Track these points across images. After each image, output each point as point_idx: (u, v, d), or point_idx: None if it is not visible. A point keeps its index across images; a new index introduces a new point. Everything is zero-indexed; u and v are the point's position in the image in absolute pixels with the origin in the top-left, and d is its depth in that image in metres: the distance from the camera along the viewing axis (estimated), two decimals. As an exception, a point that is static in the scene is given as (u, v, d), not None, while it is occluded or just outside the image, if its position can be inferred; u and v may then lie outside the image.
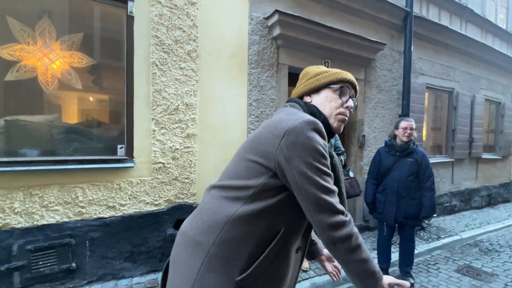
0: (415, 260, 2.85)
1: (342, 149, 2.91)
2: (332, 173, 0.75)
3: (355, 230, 0.74)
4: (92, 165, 2.20)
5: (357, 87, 0.93)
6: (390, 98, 4.16)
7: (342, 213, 0.72)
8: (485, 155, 5.89)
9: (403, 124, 2.54)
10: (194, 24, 2.56)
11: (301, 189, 0.70)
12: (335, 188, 0.74)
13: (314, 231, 1.19)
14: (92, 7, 2.31)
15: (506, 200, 6.59)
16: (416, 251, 2.86)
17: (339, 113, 0.87)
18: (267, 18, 2.98)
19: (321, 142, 0.73)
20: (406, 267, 2.67)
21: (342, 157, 2.80)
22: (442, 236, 3.90)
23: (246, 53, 2.90)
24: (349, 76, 0.90)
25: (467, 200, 5.53)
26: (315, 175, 0.70)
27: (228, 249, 0.72)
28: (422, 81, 4.52)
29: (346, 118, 0.90)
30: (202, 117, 2.67)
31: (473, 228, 4.37)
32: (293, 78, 3.33)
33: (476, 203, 5.75)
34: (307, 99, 0.91)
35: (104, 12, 2.35)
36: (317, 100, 0.89)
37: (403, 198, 2.48)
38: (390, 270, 2.77)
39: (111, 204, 2.31)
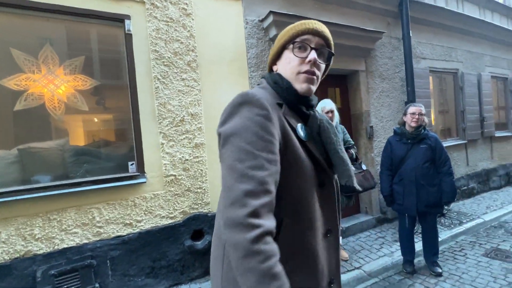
0: (440, 248, 2.77)
1: (352, 142, 2.87)
2: (274, 152, 0.62)
3: (268, 247, 0.53)
4: (105, 184, 2.21)
5: (325, 32, 0.78)
6: (394, 86, 4.10)
7: (256, 215, 0.54)
8: (498, 133, 5.73)
9: (411, 109, 2.49)
10: (191, 35, 2.58)
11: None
12: (264, 176, 0.57)
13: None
14: (90, 29, 2.35)
15: (525, 177, 6.38)
16: (439, 239, 2.79)
17: (301, 72, 0.76)
18: (262, 20, 2.98)
19: (249, 115, 0.63)
20: (432, 257, 2.60)
21: (353, 151, 2.76)
22: (464, 221, 3.79)
23: (245, 57, 2.91)
24: (305, 25, 0.77)
25: (485, 181, 5.38)
26: (231, 156, 0.59)
27: None
28: (424, 65, 4.45)
29: (314, 77, 0.77)
30: (208, 125, 2.67)
31: (495, 210, 4.23)
32: (294, 76, 3.32)
33: (495, 183, 5.59)
34: (274, 68, 0.83)
35: (102, 32, 2.38)
36: (280, 66, 0.81)
37: (422, 186, 2.42)
38: (415, 261, 2.69)
39: (127, 221, 2.31)
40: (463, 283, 2.37)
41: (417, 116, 2.44)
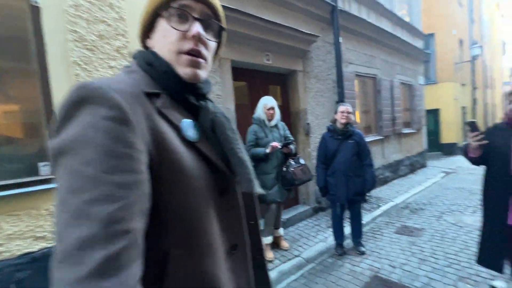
0: (363, 230, 3.19)
1: (292, 138, 3.02)
2: (135, 170, 0.42)
3: None
4: (6, 191, 1.78)
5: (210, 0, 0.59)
6: (327, 86, 4.50)
7: (100, 274, 0.35)
8: (405, 130, 6.93)
9: (340, 108, 2.78)
10: (120, 17, 2.28)
11: None
12: (114, 211, 0.38)
13: None
14: (-22, -4, 1.83)
15: (422, 166, 7.92)
16: (362, 222, 3.20)
17: (182, 52, 0.57)
18: (203, 11, 2.85)
19: (91, 120, 0.41)
20: (357, 238, 2.97)
21: (292, 146, 2.91)
22: (381, 205, 4.47)
23: (184, 48, 2.73)
24: None
25: (395, 170, 6.45)
26: (63, 186, 0.39)
27: None
28: (351, 70, 5.02)
29: (200, 60, 0.58)
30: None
31: (402, 194, 5.12)
32: (237, 72, 3.30)
33: (402, 172, 6.75)
34: (149, 43, 0.61)
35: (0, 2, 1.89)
36: (155, 40, 0.59)
37: (350, 177, 2.73)
38: (344, 243, 3.03)
39: (39, 235, 1.92)
40: (380, 258, 2.79)
41: (345, 114, 2.74)
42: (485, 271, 2.34)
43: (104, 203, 0.38)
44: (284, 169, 2.82)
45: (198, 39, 0.57)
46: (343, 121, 2.75)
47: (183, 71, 0.57)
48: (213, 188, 0.57)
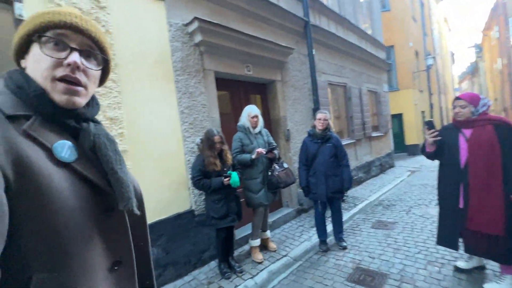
0: (343, 227, 3.43)
1: (275, 144, 3.20)
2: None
3: None
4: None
5: (91, 31, 0.60)
6: (303, 95, 4.80)
7: None
8: (374, 133, 7.50)
9: (318, 115, 3.04)
10: (107, 31, 2.33)
11: None
12: None
13: None
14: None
15: (391, 166, 8.57)
16: (343, 219, 3.45)
17: (56, 78, 0.56)
18: (187, 25, 2.98)
19: None
20: (339, 234, 3.20)
21: (276, 151, 3.09)
22: (357, 203, 4.79)
23: (169, 60, 2.82)
24: (59, 17, 0.57)
25: (368, 171, 6.92)
26: None
27: None
28: (324, 79, 5.40)
29: (78, 88, 0.59)
30: (130, 131, 2.45)
31: (375, 192, 5.53)
32: (220, 83, 3.44)
33: (374, 172, 7.26)
34: (23, 63, 0.60)
35: (-23, 14, 1.85)
36: (29, 63, 0.59)
37: (329, 176, 2.96)
38: (328, 240, 3.24)
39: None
40: (360, 251, 3.03)
41: (322, 121, 2.99)
42: (448, 254, 2.67)
43: None
44: (270, 173, 2.98)
45: (75, 67, 0.57)
46: (320, 127, 3.00)
47: (59, 98, 0.57)
48: (94, 206, 0.57)
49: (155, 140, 2.64)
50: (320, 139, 3.03)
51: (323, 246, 3.15)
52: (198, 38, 3.01)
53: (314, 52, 4.73)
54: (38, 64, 0.57)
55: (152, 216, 2.56)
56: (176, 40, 2.90)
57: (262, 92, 4.32)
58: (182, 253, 2.76)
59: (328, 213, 3.50)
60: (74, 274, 0.52)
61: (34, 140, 0.52)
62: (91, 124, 0.64)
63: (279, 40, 4.16)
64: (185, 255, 2.79)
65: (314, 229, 3.54)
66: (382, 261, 2.76)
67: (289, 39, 4.51)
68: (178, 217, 2.76)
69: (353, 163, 6.13)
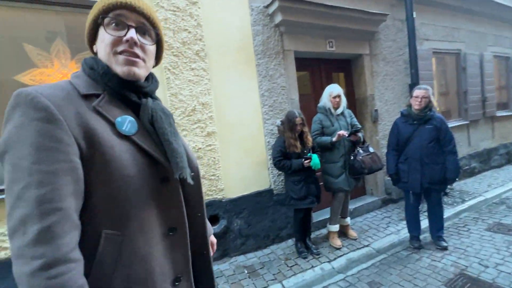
0: (444, 225, 2.89)
1: (359, 126, 2.93)
2: (63, 160, 0.53)
3: (53, 283, 0.47)
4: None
5: (143, 9, 0.68)
6: (397, 69, 4.12)
7: (38, 242, 0.48)
8: (500, 113, 5.79)
9: (415, 92, 2.56)
10: (198, 24, 2.59)
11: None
12: (45, 194, 0.50)
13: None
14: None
15: (525, 155, 6.49)
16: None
17: (118, 52, 0.65)
18: (267, 6, 2.97)
19: (23, 121, 0.52)
20: (437, 232, 2.73)
21: (360, 134, 2.82)
22: (466, 199, 3.92)
23: (251, 44, 2.92)
24: None
25: (486, 161, 5.49)
26: (7, 177, 0.52)
27: None
28: (427, 47, 4.44)
29: (136, 59, 0.67)
30: (218, 114, 2.72)
31: (496, 187, 4.36)
32: (300, 62, 3.34)
33: (496, 162, 5.70)
34: (94, 48, 0.71)
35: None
36: (98, 46, 0.69)
37: (426, 164, 2.51)
38: (421, 237, 2.82)
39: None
40: (468, 255, 2.51)
41: (419, 99, 2.51)
42: None
43: (35, 188, 0.49)
44: (352, 157, 2.77)
45: (133, 42, 0.65)
46: (417, 107, 2.53)
47: (121, 69, 0.65)
48: (152, 176, 0.64)
49: (239, 123, 2.85)
50: (417, 120, 2.57)
51: (415, 243, 2.76)
52: (278, 18, 2.97)
53: (414, 15, 3.92)
54: (103, 43, 0.66)
55: (237, 191, 2.83)
56: (257, 24, 2.95)
57: (345, 69, 3.96)
58: (262, 227, 2.97)
59: (425, 206, 3.01)
60: (133, 234, 0.60)
61: (101, 115, 0.61)
62: (150, 100, 0.71)
63: (369, 7, 3.63)
64: (264, 230, 2.99)
65: (404, 222, 3.13)
66: (500, 272, 2.21)
67: (381, 4, 3.88)
68: (258, 194, 2.96)
69: (463, 150, 4.98)
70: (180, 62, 2.52)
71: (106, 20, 0.65)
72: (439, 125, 2.53)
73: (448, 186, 4.25)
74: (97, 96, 0.63)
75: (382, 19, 3.67)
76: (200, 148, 2.61)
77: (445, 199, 3.96)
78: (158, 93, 2.44)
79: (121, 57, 0.65)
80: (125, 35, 0.65)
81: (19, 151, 0.51)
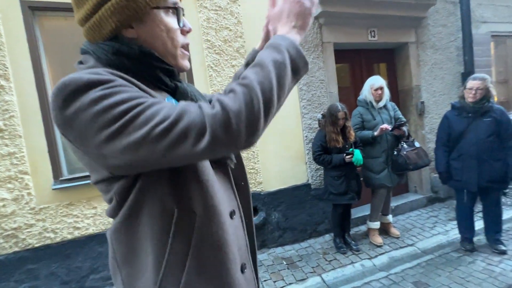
0: (502, 227, 2.64)
1: (404, 119, 2.79)
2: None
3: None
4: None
5: None
6: (448, 56, 3.78)
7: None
8: None
9: (469, 84, 2.35)
10: (238, 21, 2.66)
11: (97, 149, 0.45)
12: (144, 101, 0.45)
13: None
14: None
15: None
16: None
17: (183, 46, 0.60)
18: None
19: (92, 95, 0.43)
20: (495, 234, 2.50)
21: (405, 128, 2.68)
22: (530, 200, 3.51)
23: (289, 39, 2.91)
24: None
25: (555, 158, 4.80)
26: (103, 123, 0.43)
27: (129, 267, 0.57)
28: (485, 30, 3.99)
29: (188, 52, 0.64)
30: (257, 109, 2.78)
31: None
32: (339, 55, 3.25)
33: None
34: (127, 33, 0.55)
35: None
36: (145, 32, 0.56)
37: (485, 161, 2.30)
38: (475, 239, 2.61)
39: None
40: (531, 262, 2.27)
41: (473, 92, 2.29)
42: None
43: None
44: (395, 152, 2.65)
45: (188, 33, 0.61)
46: (471, 99, 2.32)
47: (184, 63, 0.62)
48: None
49: (277, 117, 2.82)
50: (472, 113, 2.35)
51: (468, 245, 2.56)
52: (317, 10, 2.91)
53: (470, -4, 3.54)
54: (167, 34, 0.57)
55: (275, 184, 2.89)
56: (295, 17, 2.92)
57: (388, 59, 3.74)
58: (299, 221, 3.00)
59: (479, 207, 2.77)
60: (213, 215, 0.57)
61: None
62: (183, 83, 0.66)
63: (416, -10, 3.37)
64: (302, 224, 3.02)
65: (453, 222, 2.92)
66: None
67: (431, -14, 3.57)
68: (296, 188, 2.99)
69: (527, 145, 4.41)
70: (221, 59, 2.62)
71: (167, 5, 0.56)
72: (499, 118, 2.29)
73: (510, 185, 3.83)
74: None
75: (432, 2, 3.38)
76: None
77: (503, 199, 3.58)
78: (202, 90, 2.58)
79: (184, 52, 0.62)
80: (184, 25, 0.60)
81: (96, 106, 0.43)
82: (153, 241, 0.54)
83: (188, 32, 0.61)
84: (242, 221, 0.68)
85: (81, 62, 0.57)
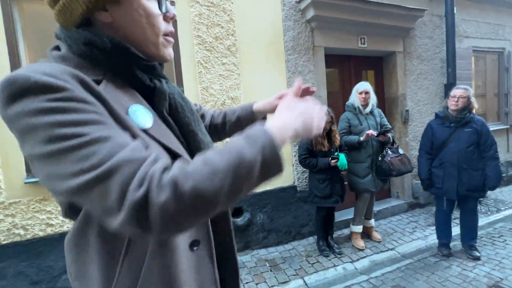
0: (478, 234, 2.74)
1: (389, 126, 2.85)
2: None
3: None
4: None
5: None
6: (433, 67, 3.92)
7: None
8: (545, 118, 5.31)
9: (452, 92, 2.44)
10: (231, 19, 2.62)
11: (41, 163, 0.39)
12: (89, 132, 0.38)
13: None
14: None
15: None
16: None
17: (165, 33, 0.54)
18: (299, 1, 2.94)
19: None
20: (470, 241, 2.59)
21: (390, 135, 2.74)
22: (502, 208, 3.68)
23: (282, 40, 2.91)
24: None
25: (526, 169, 5.08)
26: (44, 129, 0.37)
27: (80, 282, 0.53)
28: (467, 45, 4.17)
29: (172, 39, 0.57)
30: (246, 109, 2.75)
31: (537, 198, 4.04)
32: (330, 59, 3.28)
33: (537, 171, 5.26)
34: (101, 16, 0.49)
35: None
36: (121, 17, 0.49)
37: (464, 170, 2.39)
38: (451, 244, 2.70)
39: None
40: (503, 267, 2.37)
41: (456, 99, 2.38)
42: None
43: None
44: (380, 158, 2.70)
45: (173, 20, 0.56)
46: (453, 107, 2.40)
47: (166, 52, 0.55)
48: None
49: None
50: (455, 123, 2.44)
51: (444, 250, 2.65)
52: (310, 13, 2.92)
53: (455, 11, 3.69)
54: (147, 19, 0.51)
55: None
56: (288, 19, 2.93)
57: (376, 67, 3.83)
58: (284, 223, 2.99)
59: (455, 213, 2.87)
60: (161, 247, 0.51)
61: (110, 105, 0.45)
62: (163, 82, 0.58)
63: (405, 2, 3.47)
64: (286, 225, 3.01)
65: (432, 228, 3.01)
66: (539, 288, 2.07)
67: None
68: (282, 190, 2.98)
69: (501, 157, 4.59)
70: (212, 56, 2.57)
71: None
72: (479, 129, 2.39)
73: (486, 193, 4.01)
74: (97, 82, 0.47)
75: (420, 14, 3.50)
76: (227, 142, 2.66)
77: (478, 207, 3.74)
78: (191, 87, 2.51)
79: (168, 39, 0.55)
80: (167, 10, 0.54)
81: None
82: (100, 266, 0.49)
83: (172, 18, 0.56)
84: (210, 252, 0.58)
85: (57, 48, 0.51)
